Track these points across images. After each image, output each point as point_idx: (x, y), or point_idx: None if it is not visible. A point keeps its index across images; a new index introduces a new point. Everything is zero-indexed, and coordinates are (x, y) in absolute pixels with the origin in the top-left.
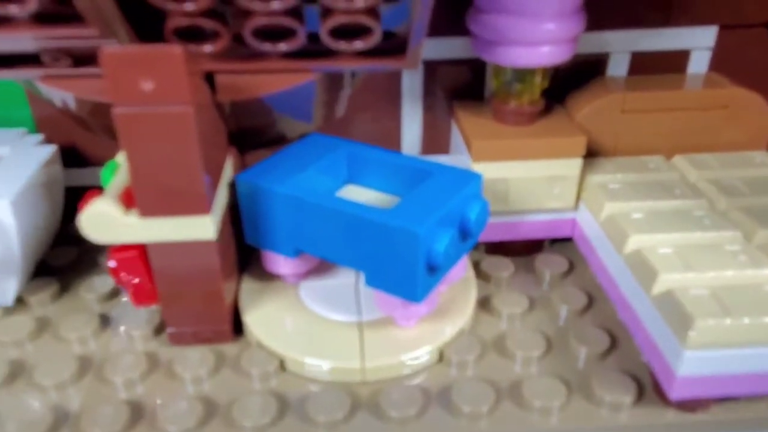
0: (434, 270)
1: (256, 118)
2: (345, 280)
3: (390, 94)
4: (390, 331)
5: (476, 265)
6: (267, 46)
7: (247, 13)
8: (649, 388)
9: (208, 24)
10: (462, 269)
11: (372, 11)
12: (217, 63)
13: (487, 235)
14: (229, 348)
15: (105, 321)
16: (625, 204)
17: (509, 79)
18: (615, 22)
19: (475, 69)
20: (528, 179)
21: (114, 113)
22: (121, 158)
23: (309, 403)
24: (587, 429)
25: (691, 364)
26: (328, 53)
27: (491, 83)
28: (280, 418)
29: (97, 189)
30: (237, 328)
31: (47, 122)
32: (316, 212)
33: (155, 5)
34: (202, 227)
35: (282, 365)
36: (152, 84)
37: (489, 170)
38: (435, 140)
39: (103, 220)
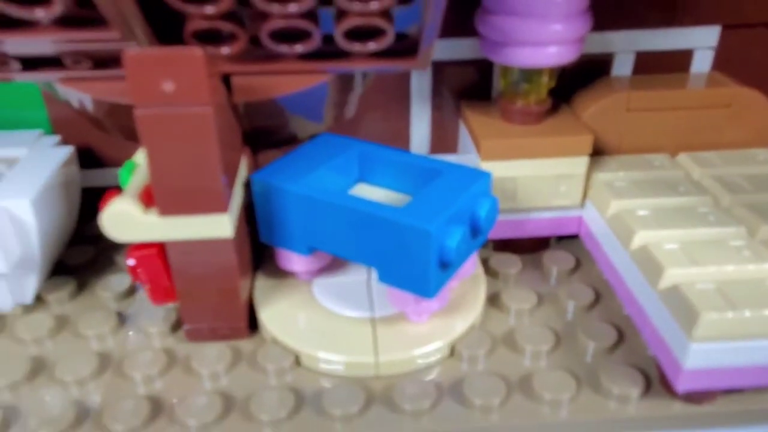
0: (446, 266)
1: (269, 118)
2: (357, 277)
3: (399, 94)
4: (402, 327)
5: (485, 262)
6: (283, 48)
7: (264, 16)
8: (656, 381)
9: (226, 27)
10: (472, 266)
11: (385, 13)
12: (234, 65)
13: (495, 233)
14: (245, 344)
15: (122, 318)
16: (631, 201)
17: (517, 79)
18: (619, 23)
19: (483, 69)
20: (535, 177)
21: (135, 114)
22: (138, 158)
23: (324, 397)
24: (596, 421)
25: (698, 357)
26: (341, 54)
27: (499, 83)
28: (296, 412)
29: (116, 189)
30: (252, 324)
31: (63, 123)
32: (330, 210)
33: (176, 8)
34: (220, 225)
35: (297, 360)
36: (173, 85)
37: (497, 169)
38: (443, 140)
39: (124, 219)
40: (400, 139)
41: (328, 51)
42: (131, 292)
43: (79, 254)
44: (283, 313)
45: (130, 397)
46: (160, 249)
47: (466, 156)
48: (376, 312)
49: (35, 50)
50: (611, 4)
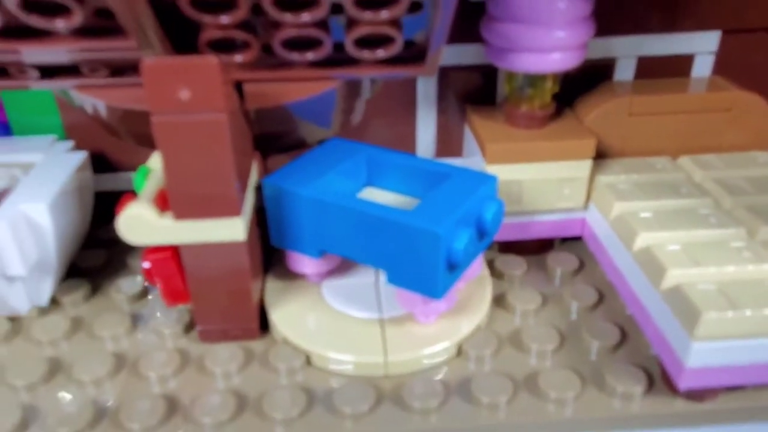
0: (454, 268)
1: (279, 124)
2: (366, 279)
3: (405, 99)
4: (410, 328)
5: (490, 264)
6: (294, 56)
7: (277, 25)
8: (658, 379)
9: (240, 35)
10: (478, 268)
11: (395, 22)
12: (246, 72)
13: (500, 235)
14: (257, 345)
15: (136, 320)
16: (633, 203)
17: (521, 85)
18: (621, 29)
19: (487, 75)
20: (539, 180)
21: (152, 121)
22: (151, 163)
23: (335, 396)
24: (600, 418)
25: (699, 355)
26: (350, 61)
27: (503, 88)
28: (308, 410)
29: (131, 193)
30: (263, 325)
31: (76, 129)
32: (340, 214)
33: (191, 18)
34: (233, 228)
35: (308, 360)
36: (189, 93)
37: (502, 172)
38: (449, 144)
39: (140, 223)
40: (407, 143)
41: (338, 58)
42: (144, 294)
43: (93, 257)
44: (293, 315)
45: (146, 396)
46: (175, 252)
47: (471, 159)
48: (384, 313)
49: (53, 59)
50: (613, 11)
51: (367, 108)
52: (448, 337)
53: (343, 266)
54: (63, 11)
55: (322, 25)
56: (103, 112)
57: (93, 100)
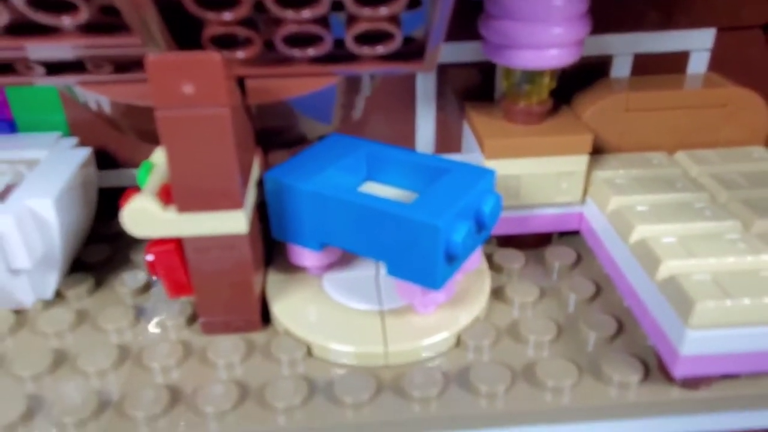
0: (452, 259)
1: (280, 119)
2: (366, 271)
3: (405, 95)
4: (410, 319)
5: (489, 258)
6: (296, 52)
7: (278, 21)
8: (654, 368)
9: (242, 32)
10: (477, 260)
11: (394, 18)
12: (248, 68)
13: (499, 229)
14: (259, 336)
15: (139, 313)
16: (630, 197)
17: (519, 81)
18: (618, 26)
19: (486, 71)
20: (537, 175)
21: (156, 116)
22: (154, 158)
23: (336, 385)
24: (597, 406)
25: (694, 344)
26: (350, 57)
27: (501, 84)
28: (309, 400)
29: (135, 188)
30: (265, 317)
31: (80, 125)
32: (341, 207)
33: (195, 15)
34: (236, 221)
35: (309, 351)
36: (192, 88)
37: (500, 167)
38: (447, 139)
39: (144, 216)
40: (406, 139)
41: (338, 54)
42: (147, 287)
43: (97, 252)
44: (295, 307)
45: (150, 386)
46: (178, 245)
47: (469, 155)
48: (384, 305)
49: (59, 55)
50: (610, 8)
51: (367, 104)
52: (447, 327)
53: (344, 259)
54: (69, 8)
55: (323, 21)
56: (106, 108)
57: (97, 96)
